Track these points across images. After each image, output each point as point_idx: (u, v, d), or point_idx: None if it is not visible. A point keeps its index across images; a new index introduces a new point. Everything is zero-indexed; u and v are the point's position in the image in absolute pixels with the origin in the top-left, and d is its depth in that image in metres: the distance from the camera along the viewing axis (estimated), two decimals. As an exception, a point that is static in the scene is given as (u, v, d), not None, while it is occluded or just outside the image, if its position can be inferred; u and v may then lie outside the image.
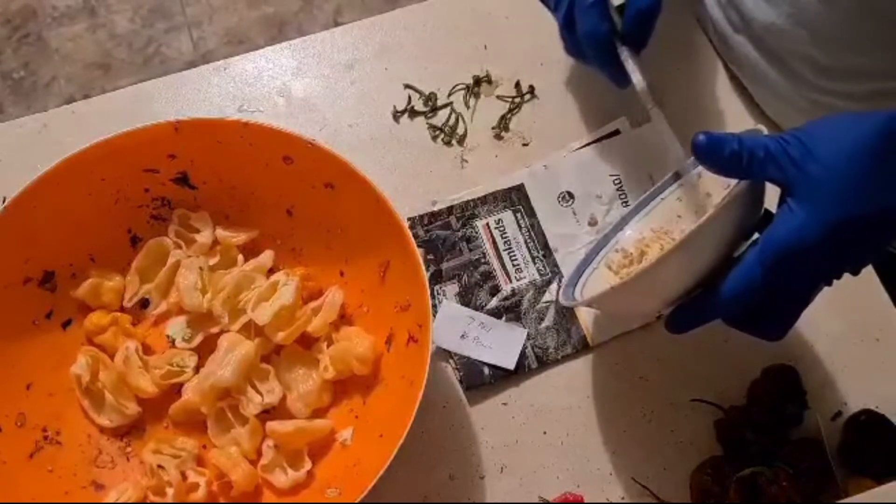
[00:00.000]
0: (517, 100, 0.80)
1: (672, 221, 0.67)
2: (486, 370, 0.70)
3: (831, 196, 0.50)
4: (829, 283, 0.54)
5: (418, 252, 0.62)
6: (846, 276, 0.55)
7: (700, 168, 0.66)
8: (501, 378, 0.70)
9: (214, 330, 0.69)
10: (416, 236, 0.74)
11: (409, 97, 0.80)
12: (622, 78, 0.69)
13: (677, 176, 0.68)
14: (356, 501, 0.57)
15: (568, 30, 0.70)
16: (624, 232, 0.70)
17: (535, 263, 0.74)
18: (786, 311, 0.55)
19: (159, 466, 0.64)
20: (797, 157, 0.51)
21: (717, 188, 0.63)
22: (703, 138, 0.52)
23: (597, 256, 0.70)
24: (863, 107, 0.54)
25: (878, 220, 0.50)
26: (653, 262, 0.52)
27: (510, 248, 0.74)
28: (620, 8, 0.69)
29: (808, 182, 0.50)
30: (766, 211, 0.56)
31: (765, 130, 0.55)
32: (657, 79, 0.80)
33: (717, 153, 0.52)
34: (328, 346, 0.68)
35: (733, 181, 0.54)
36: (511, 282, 0.73)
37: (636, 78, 0.68)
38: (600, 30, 0.67)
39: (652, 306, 0.58)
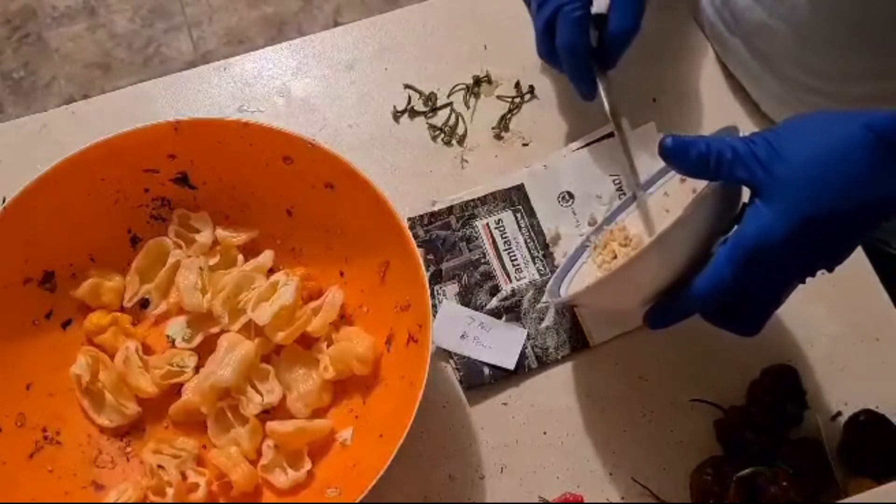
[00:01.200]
0: (517, 100, 0.80)
1: (660, 216, 0.68)
2: (486, 370, 0.70)
3: (797, 196, 0.51)
4: (803, 281, 0.55)
5: (418, 252, 0.62)
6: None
7: (659, 181, 0.67)
8: (501, 378, 0.70)
9: (214, 330, 0.69)
10: (416, 236, 0.74)
11: (409, 97, 0.80)
12: (590, 92, 0.72)
13: (664, 171, 0.69)
14: (356, 501, 0.57)
15: (546, 35, 0.71)
16: (612, 227, 0.71)
17: (535, 263, 0.74)
18: (757, 309, 0.56)
19: (159, 466, 0.64)
20: (764, 159, 0.52)
21: (702, 183, 0.64)
22: (669, 141, 0.53)
23: (584, 253, 0.70)
24: (854, 108, 0.55)
25: (844, 217, 0.51)
26: (626, 263, 0.53)
27: (510, 248, 0.74)
28: (596, 18, 0.70)
29: (774, 183, 0.51)
30: (744, 205, 0.57)
31: (739, 130, 0.56)
32: (656, 78, 0.80)
33: (684, 156, 0.53)
34: (328, 346, 0.68)
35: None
36: (511, 282, 0.73)
37: (606, 98, 0.71)
38: (580, 45, 0.69)
39: (633, 302, 0.59)
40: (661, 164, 0.75)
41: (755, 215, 0.52)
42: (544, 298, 0.71)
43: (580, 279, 0.68)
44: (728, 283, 0.52)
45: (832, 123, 0.52)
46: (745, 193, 0.56)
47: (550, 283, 0.69)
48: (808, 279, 0.55)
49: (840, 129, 0.51)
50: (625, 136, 0.72)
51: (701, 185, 0.64)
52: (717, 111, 0.80)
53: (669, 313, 0.57)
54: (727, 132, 0.58)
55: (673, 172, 0.68)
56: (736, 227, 0.54)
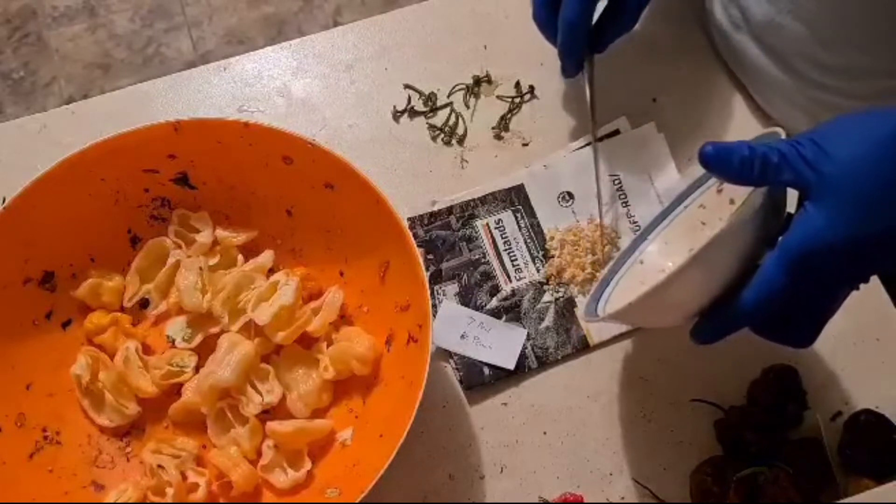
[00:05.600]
0: (517, 100, 0.80)
1: (696, 229, 0.66)
2: (486, 370, 0.70)
3: (851, 196, 0.48)
4: (857, 287, 0.53)
5: (418, 252, 0.62)
6: None
7: (705, 186, 0.66)
8: (501, 378, 0.70)
9: (214, 330, 0.69)
10: (416, 236, 0.74)
11: (409, 97, 0.80)
12: (576, 71, 0.73)
13: (700, 183, 0.67)
14: (356, 501, 0.57)
15: (546, 4, 0.70)
16: (647, 243, 0.69)
17: (535, 263, 0.74)
18: (812, 317, 0.53)
19: (159, 466, 0.64)
20: (811, 159, 0.49)
21: (740, 193, 0.61)
22: (710, 149, 0.51)
23: (620, 270, 0.69)
24: (866, 106, 0.53)
25: None
26: (668, 277, 0.51)
27: (510, 248, 0.74)
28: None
29: (825, 183, 0.49)
30: (790, 214, 0.54)
31: (782, 133, 0.54)
32: (656, 78, 0.80)
33: (727, 163, 0.51)
34: (328, 346, 0.68)
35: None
36: (511, 282, 0.73)
37: (587, 78, 0.73)
38: (581, 24, 0.69)
39: (675, 318, 0.56)
40: (658, 162, 0.76)
41: (806, 219, 0.49)
42: (581, 315, 0.70)
43: (619, 296, 0.66)
44: (779, 291, 0.50)
45: (880, 119, 0.49)
46: (791, 202, 0.53)
47: (587, 300, 0.67)
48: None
49: (890, 124, 0.49)
50: (596, 119, 0.73)
51: (738, 194, 0.62)
52: (718, 111, 0.80)
53: (717, 328, 0.54)
54: (769, 137, 0.55)
55: (708, 184, 0.67)
56: (784, 233, 0.51)
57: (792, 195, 0.53)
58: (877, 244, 0.49)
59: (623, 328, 0.71)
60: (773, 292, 0.50)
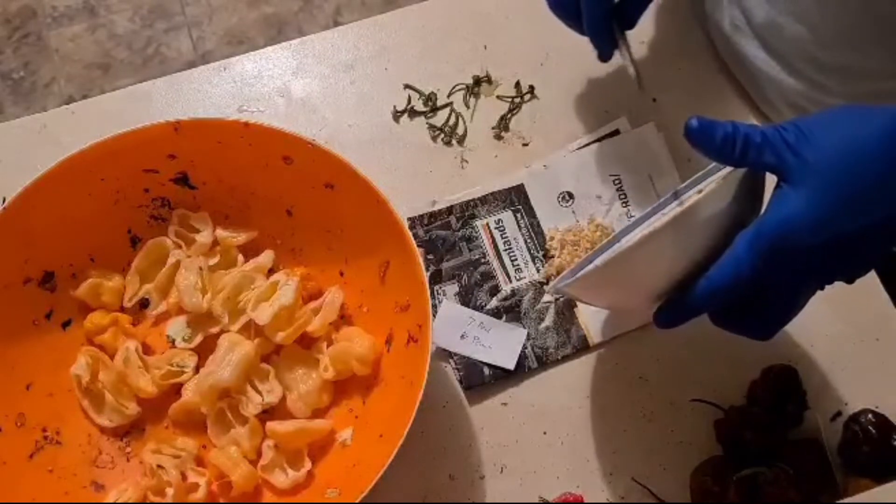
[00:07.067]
0: (517, 100, 0.80)
1: None
2: (486, 370, 0.70)
3: (828, 181, 0.48)
4: (822, 287, 0.53)
5: (418, 252, 0.62)
6: None
7: (702, 185, 0.66)
8: (501, 378, 0.70)
9: (214, 330, 0.69)
10: (416, 236, 0.74)
11: (409, 97, 0.80)
12: (610, 51, 0.70)
13: (685, 190, 0.67)
14: (356, 501, 0.57)
15: None
16: (621, 243, 0.70)
17: (534, 263, 0.74)
18: (775, 308, 0.52)
19: (159, 466, 0.64)
20: (793, 143, 0.49)
21: None
22: (694, 122, 0.51)
23: (592, 263, 0.69)
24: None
25: (877, 209, 0.49)
26: (633, 243, 0.50)
27: (510, 248, 0.74)
28: None
29: (805, 169, 0.49)
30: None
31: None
32: (657, 78, 0.80)
33: (709, 138, 0.50)
34: (328, 346, 0.68)
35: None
36: (511, 282, 0.73)
37: (628, 57, 0.70)
38: (603, 2, 0.67)
39: (639, 296, 0.55)
40: (658, 162, 0.76)
41: (782, 200, 0.49)
42: (547, 289, 0.70)
43: None
44: (746, 275, 0.49)
45: (866, 113, 0.49)
46: (767, 194, 0.53)
47: (557, 279, 0.68)
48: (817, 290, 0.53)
49: (876, 119, 0.49)
50: (644, 89, 0.71)
51: None
52: (718, 111, 0.80)
53: (678, 310, 0.52)
54: None
55: (686, 195, 0.67)
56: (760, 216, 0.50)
57: (768, 189, 0.53)
58: (850, 241, 0.50)
59: (623, 328, 0.71)
60: (740, 275, 0.49)
